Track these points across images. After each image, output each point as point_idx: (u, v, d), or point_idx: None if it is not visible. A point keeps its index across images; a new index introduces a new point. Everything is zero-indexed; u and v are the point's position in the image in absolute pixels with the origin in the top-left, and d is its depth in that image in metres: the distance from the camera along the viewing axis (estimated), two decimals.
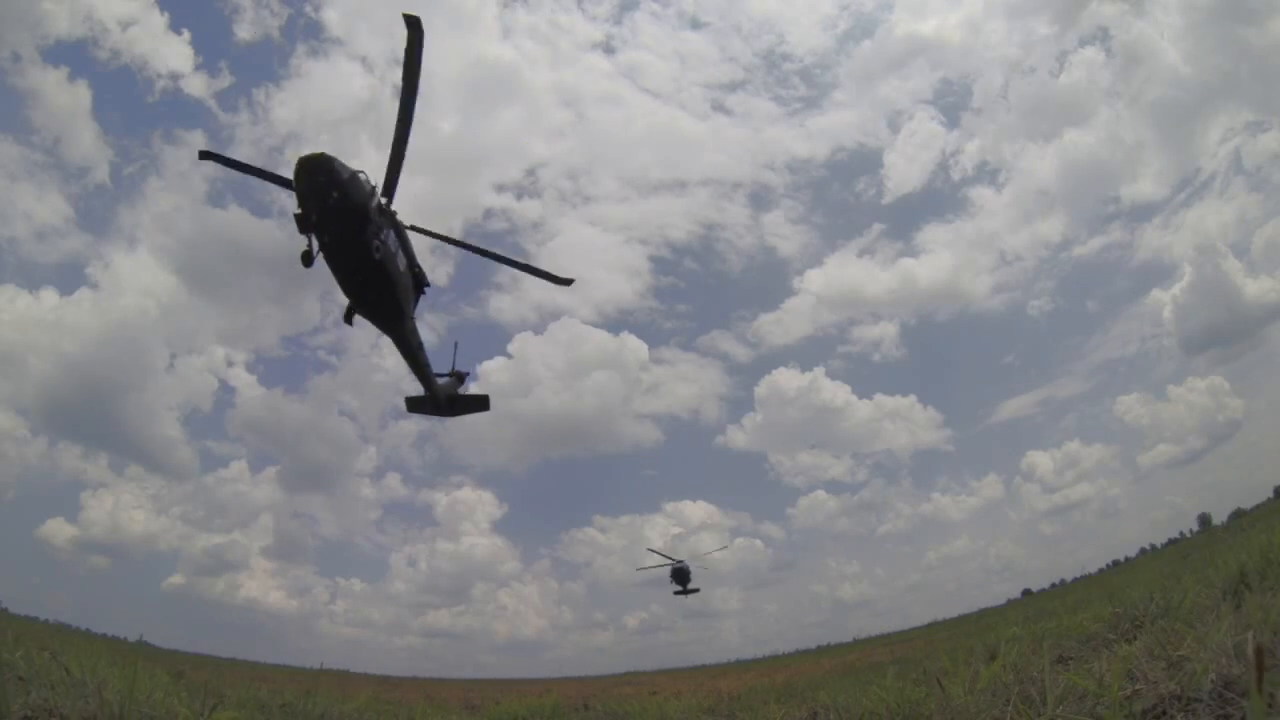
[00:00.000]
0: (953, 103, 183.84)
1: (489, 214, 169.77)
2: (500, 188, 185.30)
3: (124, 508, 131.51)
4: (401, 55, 13.34)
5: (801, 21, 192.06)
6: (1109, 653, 4.55)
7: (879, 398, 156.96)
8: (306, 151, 13.30)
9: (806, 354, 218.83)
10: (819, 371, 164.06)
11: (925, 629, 67.91)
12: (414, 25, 12.51)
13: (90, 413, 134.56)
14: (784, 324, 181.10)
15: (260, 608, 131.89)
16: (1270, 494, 67.14)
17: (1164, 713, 3.29)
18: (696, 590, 46.30)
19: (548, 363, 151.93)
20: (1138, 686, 3.43)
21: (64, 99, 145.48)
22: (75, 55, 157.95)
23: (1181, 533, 79.50)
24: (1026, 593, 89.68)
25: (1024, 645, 5.91)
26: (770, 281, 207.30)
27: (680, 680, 41.05)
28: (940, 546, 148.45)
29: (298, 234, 13.52)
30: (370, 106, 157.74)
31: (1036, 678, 4.07)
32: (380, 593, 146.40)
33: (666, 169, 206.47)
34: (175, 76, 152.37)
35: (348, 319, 15.63)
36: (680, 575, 45.48)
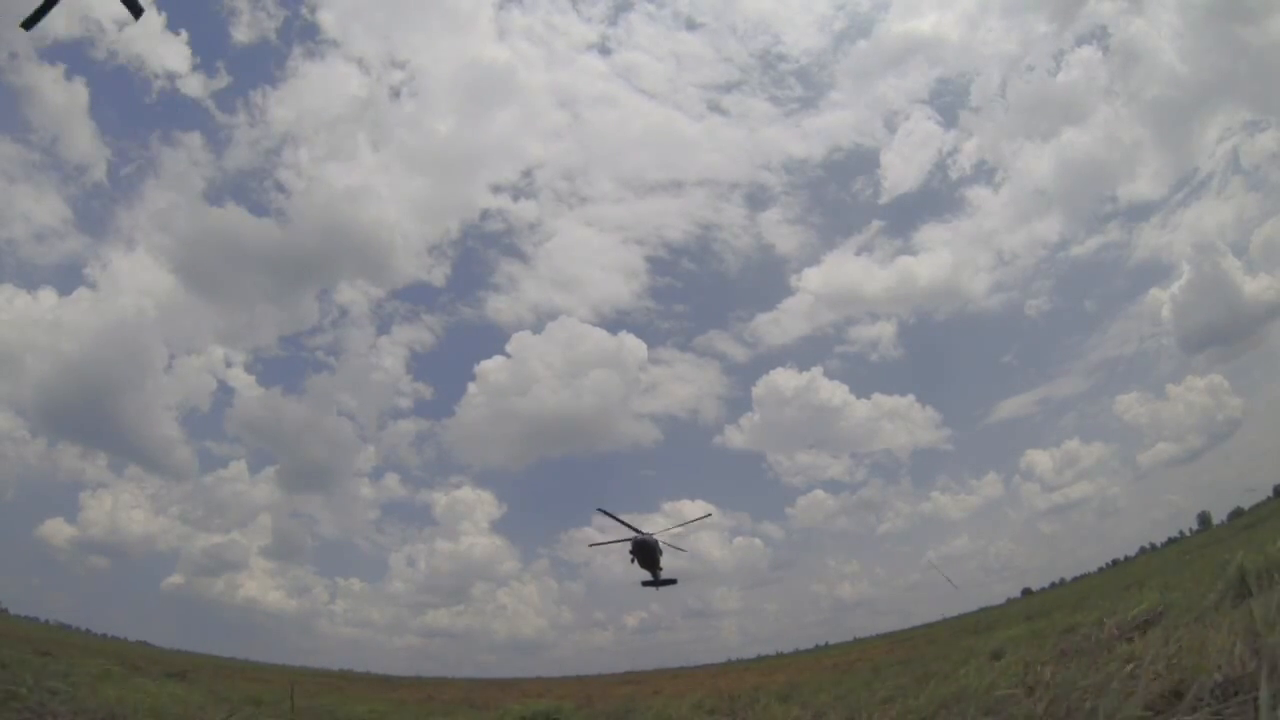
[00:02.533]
0: (949, 102, 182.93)
1: (485, 215, 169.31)
2: (497, 189, 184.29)
3: (123, 508, 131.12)
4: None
5: (797, 22, 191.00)
6: (1113, 651, 4.58)
7: (877, 397, 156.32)
8: None
9: (804, 354, 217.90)
10: (817, 371, 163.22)
11: (925, 628, 67.98)
12: None
13: (89, 413, 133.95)
14: (781, 324, 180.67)
15: (260, 607, 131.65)
16: (1270, 493, 67.23)
17: (1166, 710, 3.32)
18: (673, 582, 30.91)
19: (546, 362, 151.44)
20: (1142, 683, 3.46)
21: (60, 97, 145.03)
22: (72, 54, 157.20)
23: (1181, 531, 79.77)
24: (1026, 591, 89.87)
25: (1029, 643, 5.95)
26: (767, 282, 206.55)
27: (681, 680, 41.11)
28: (940, 546, 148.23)
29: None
30: (368, 105, 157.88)
31: (1043, 674, 4.10)
32: (380, 592, 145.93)
33: (663, 170, 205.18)
34: (173, 76, 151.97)
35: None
36: (644, 552, 29.22)
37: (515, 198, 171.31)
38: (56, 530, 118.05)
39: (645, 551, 28.81)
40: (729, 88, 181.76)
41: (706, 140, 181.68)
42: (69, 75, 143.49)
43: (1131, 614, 6.64)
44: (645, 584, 30.66)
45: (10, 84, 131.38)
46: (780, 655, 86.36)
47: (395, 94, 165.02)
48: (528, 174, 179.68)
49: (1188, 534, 75.07)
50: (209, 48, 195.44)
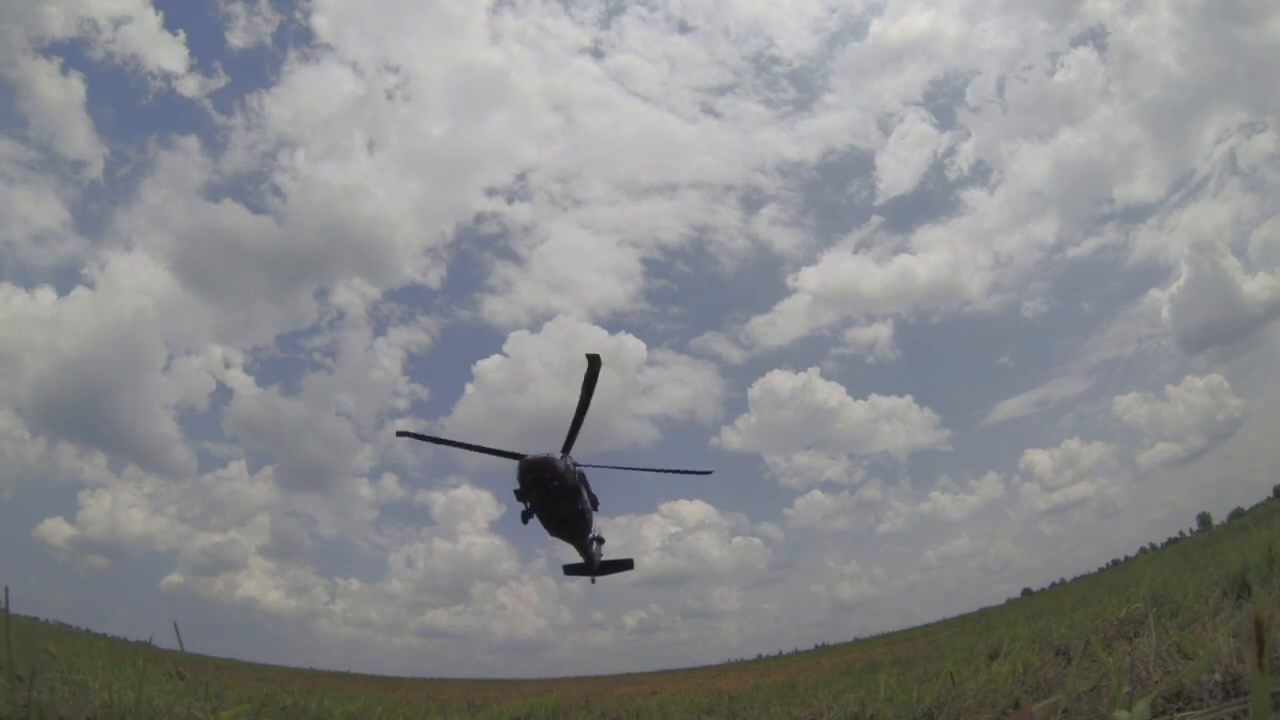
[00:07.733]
0: (945, 103, 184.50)
1: (480, 218, 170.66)
2: (491, 191, 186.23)
3: (122, 507, 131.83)
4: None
5: (789, 24, 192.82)
6: (1112, 650, 4.55)
7: (874, 398, 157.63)
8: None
9: (800, 356, 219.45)
10: (813, 372, 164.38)
11: (925, 629, 68.03)
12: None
13: (88, 412, 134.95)
14: (777, 325, 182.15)
15: (259, 607, 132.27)
16: (1270, 493, 67.23)
17: (1166, 710, 3.29)
18: (627, 565, 17.62)
19: (545, 360, 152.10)
20: (1141, 683, 3.44)
21: (57, 92, 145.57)
22: (71, 53, 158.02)
23: (1181, 532, 79.87)
24: (1026, 592, 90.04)
25: (1028, 643, 5.92)
26: (763, 284, 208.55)
27: (680, 680, 41.05)
28: (939, 546, 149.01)
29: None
30: (364, 105, 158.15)
31: (1042, 674, 4.07)
32: (379, 592, 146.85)
33: (657, 172, 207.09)
34: (170, 77, 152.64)
35: None
36: (548, 490, 11.40)
37: (510, 200, 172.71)
38: (55, 530, 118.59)
39: (551, 488, 11.78)
40: (722, 90, 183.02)
41: (700, 143, 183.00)
42: (65, 70, 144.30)
43: (1130, 614, 6.60)
44: (570, 570, 16.60)
45: (6, 79, 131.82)
46: (780, 655, 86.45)
47: (389, 98, 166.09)
48: (522, 177, 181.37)
49: (1188, 534, 75.20)
50: (206, 49, 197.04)
